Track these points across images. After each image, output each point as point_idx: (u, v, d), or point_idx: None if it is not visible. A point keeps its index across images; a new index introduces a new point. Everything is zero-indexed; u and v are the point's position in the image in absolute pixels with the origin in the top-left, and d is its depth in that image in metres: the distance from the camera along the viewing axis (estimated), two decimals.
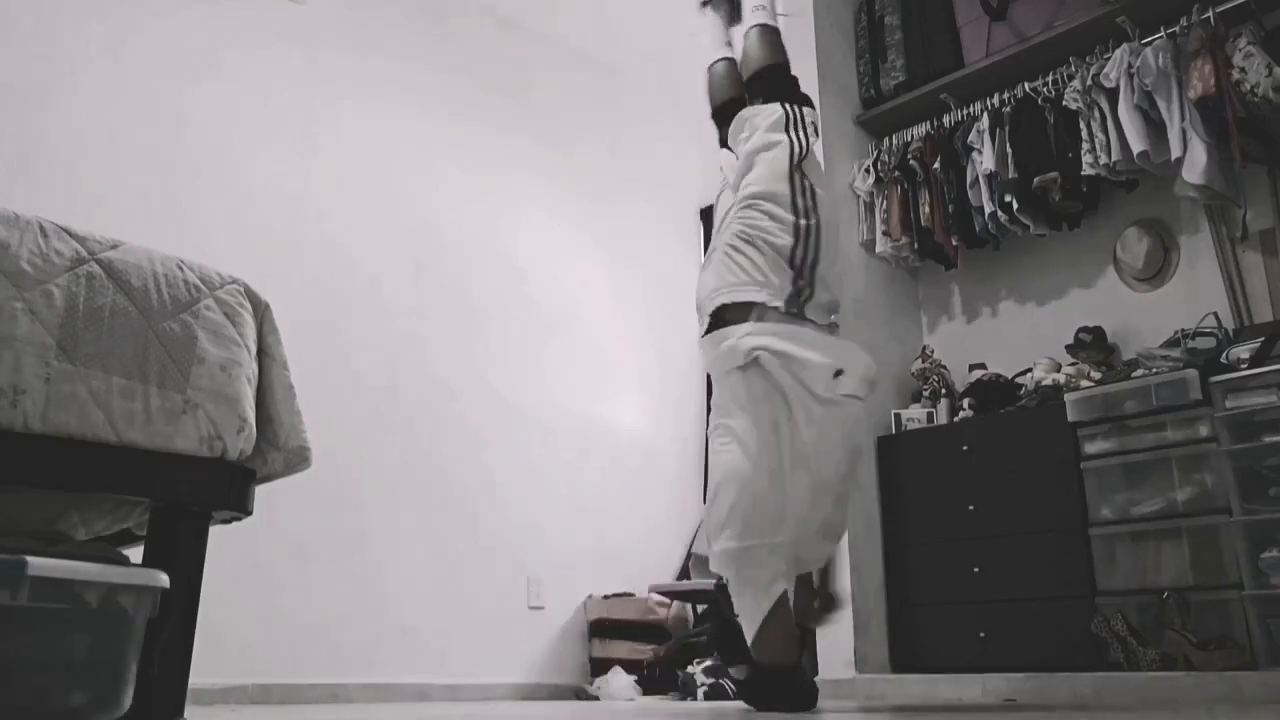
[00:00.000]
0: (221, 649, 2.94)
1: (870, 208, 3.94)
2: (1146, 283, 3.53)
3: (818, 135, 2.44)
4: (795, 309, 2.17)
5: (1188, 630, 2.80)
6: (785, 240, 2.19)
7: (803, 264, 2.19)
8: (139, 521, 1.94)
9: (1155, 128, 3.21)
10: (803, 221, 2.20)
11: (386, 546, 3.95)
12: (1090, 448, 3.15)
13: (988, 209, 3.59)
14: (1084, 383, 3.30)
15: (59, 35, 3.53)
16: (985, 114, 3.68)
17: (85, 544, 1.69)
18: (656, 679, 4.15)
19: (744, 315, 2.18)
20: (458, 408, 4.32)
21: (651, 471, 4.85)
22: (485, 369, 4.46)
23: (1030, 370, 3.58)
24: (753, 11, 2.60)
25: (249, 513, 1.86)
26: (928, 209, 3.77)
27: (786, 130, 2.32)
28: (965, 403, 3.64)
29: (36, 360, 1.55)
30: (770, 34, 2.58)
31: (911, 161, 3.84)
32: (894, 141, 3.96)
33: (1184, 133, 3.12)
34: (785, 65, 2.55)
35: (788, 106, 2.37)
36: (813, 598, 2.22)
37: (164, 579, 1.54)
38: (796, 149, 2.29)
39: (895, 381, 3.88)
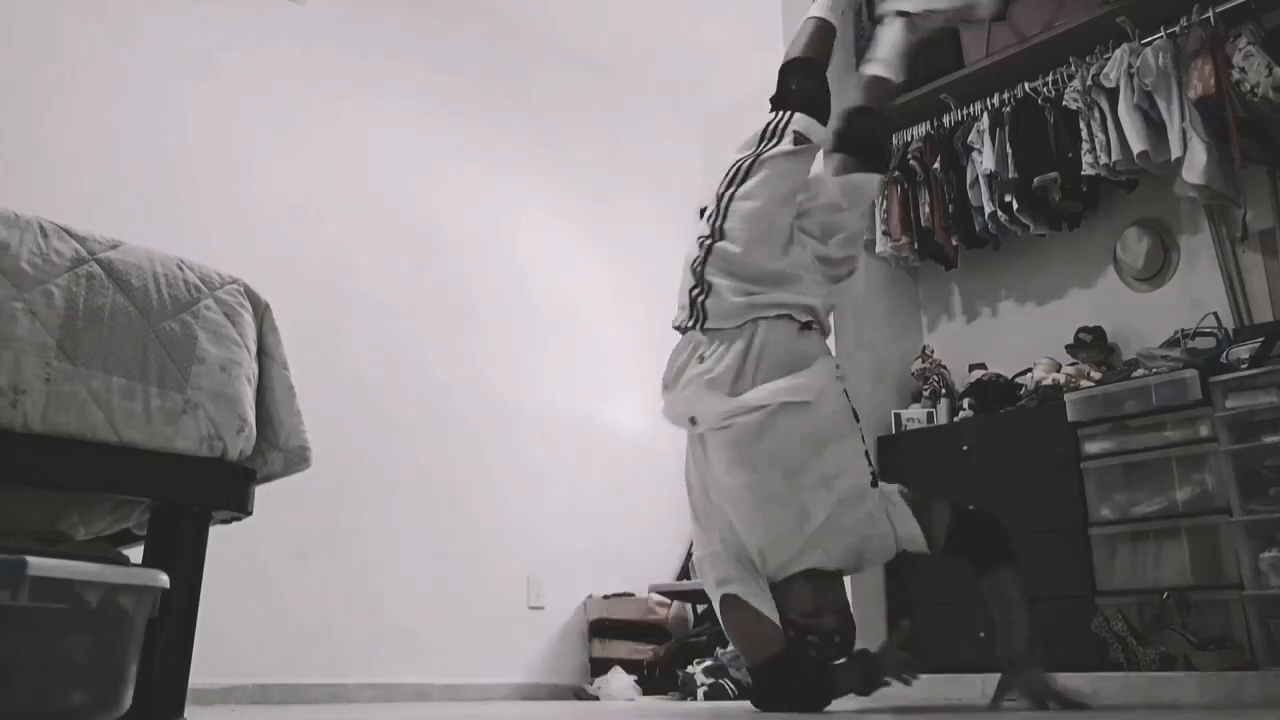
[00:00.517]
0: (221, 649, 2.94)
1: (870, 208, 3.94)
2: (1146, 283, 3.53)
3: (801, 142, 2.31)
4: (692, 321, 2.25)
5: (1188, 630, 2.80)
6: (693, 254, 2.29)
7: (697, 269, 2.26)
8: (139, 521, 1.94)
9: (1155, 128, 3.21)
10: (706, 238, 2.27)
11: (386, 546, 3.95)
12: (1090, 448, 3.15)
13: (988, 209, 3.59)
14: (1084, 383, 3.30)
15: (59, 35, 3.53)
16: (985, 114, 3.68)
17: (85, 544, 1.70)
18: (656, 679, 4.15)
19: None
20: (457, 408, 4.32)
21: (651, 471, 4.84)
22: (485, 369, 4.47)
23: (1030, 370, 3.57)
24: (813, 2, 2.56)
25: (249, 513, 1.86)
26: (928, 209, 3.77)
27: (759, 141, 2.32)
28: (965, 403, 3.63)
29: (36, 360, 1.55)
30: (814, 28, 2.49)
31: (911, 161, 3.84)
32: (894, 141, 3.95)
33: (1184, 133, 3.12)
34: (806, 62, 2.45)
35: (778, 114, 2.35)
36: (821, 606, 2.18)
37: (164, 579, 1.54)
38: (736, 167, 2.30)
39: (895, 381, 3.88)
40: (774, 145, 2.28)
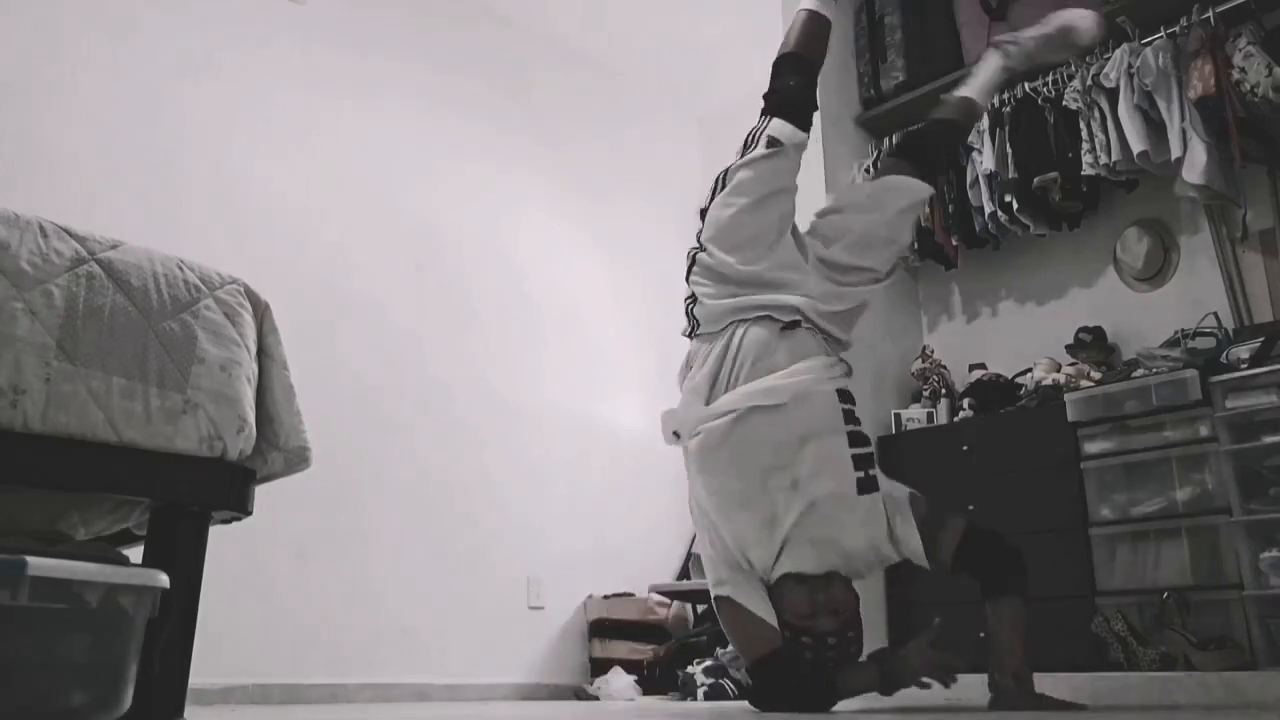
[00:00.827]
0: (221, 649, 2.94)
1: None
2: (1146, 283, 3.53)
3: (772, 146, 2.28)
4: (689, 330, 2.32)
5: (1188, 630, 2.80)
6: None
7: (686, 279, 2.33)
8: (139, 521, 1.94)
9: (1155, 128, 3.21)
10: (692, 249, 2.35)
11: (386, 546, 3.95)
12: (1090, 448, 3.15)
13: (988, 209, 3.59)
14: (1084, 383, 3.30)
15: (59, 35, 3.53)
16: (985, 114, 3.67)
17: (85, 544, 1.69)
18: (656, 679, 4.15)
19: None
20: (457, 408, 4.32)
21: (651, 471, 4.84)
22: (485, 369, 4.47)
23: (1030, 370, 3.57)
24: None
25: (249, 513, 1.86)
26: (927, 209, 3.77)
27: (740, 150, 2.33)
28: (965, 403, 3.63)
29: (36, 360, 1.55)
30: (803, 21, 2.43)
31: None
32: (894, 142, 3.95)
33: (1184, 133, 3.12)
34: (794, 57, 2.40)
35: (759, 120, 2.35)
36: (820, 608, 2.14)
37: (164, 579, 1.54)
38: (717, 178, 2.34)
39: (895, 381, 3.88)
40: (751, 152, 2.30)
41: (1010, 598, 2.10)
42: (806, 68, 2.40)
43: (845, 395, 2.18)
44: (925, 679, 2.08)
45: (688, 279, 2.31)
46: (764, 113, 2.36)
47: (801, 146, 2.32)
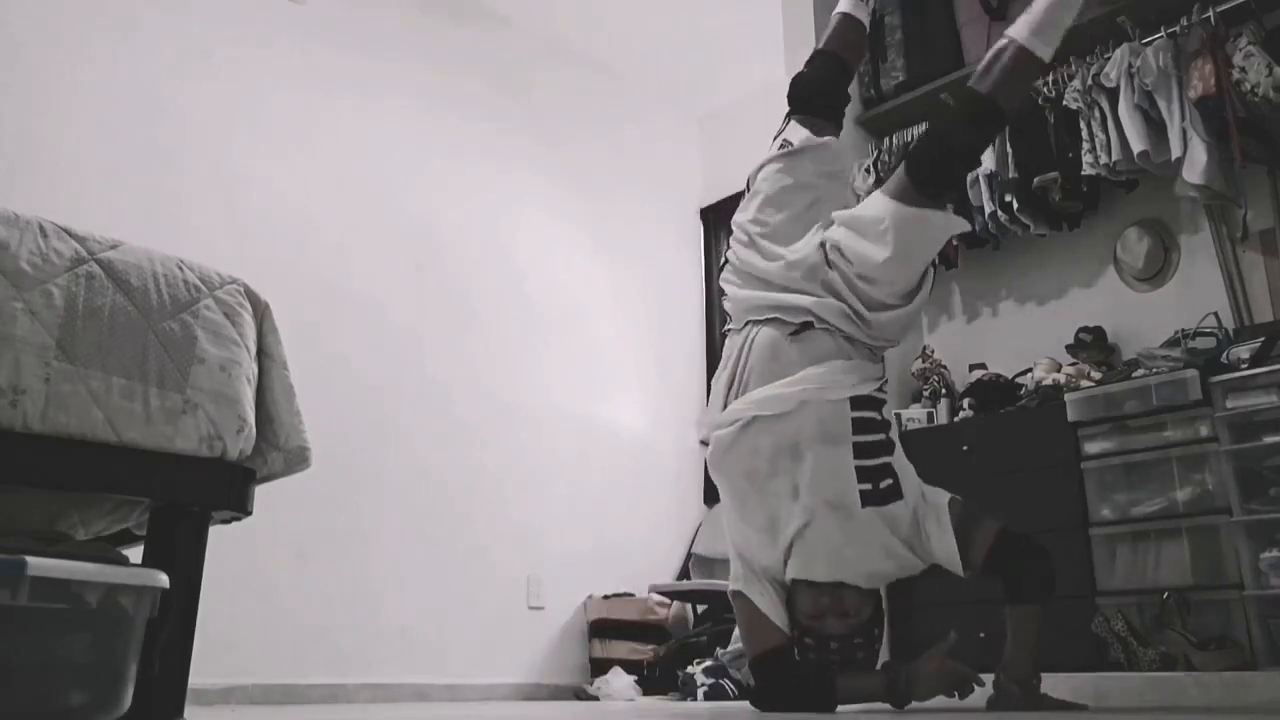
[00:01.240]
0: (221, 649, 2.94)
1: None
2: (1146, 283, 3.53)
3: (783, 147, 2.30)
4: (724, 327, 2.41)
5: (1188, 630, 2.80)
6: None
7: (718, 282, 2.39)
8: (139, 521, 1.94)
9: (1155, 127, 3.21)
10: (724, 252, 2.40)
11: (386, 547, 3.95)
12: (1090, 448, 3.14)
13: (988, 209, 3.59)
14: (1084, 383, 3.30)
15: (59, 35, 3.53)
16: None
17: (85, 544, 1.69)
18: (656, 679, 4.15)
19: None
20: (457, 408, 4.32)
21: (651, 471, 4.85)
22: (485, 369, 4.47)
23: (1030, 370, 3.57)
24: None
25: (249, 513, 1.86)
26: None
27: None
28: (965, 403, 3.63)
29: (36, 360, 1.55)
30: (836, 22, 2.46)
31: None
32: (894, 141, 3.95)
33: (1184, 132, 3.12)
34: (819, 54, 2.43)
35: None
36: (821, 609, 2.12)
37: (164, 579, 1.54)
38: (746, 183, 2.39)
39: (895, 381, 3.87)
40: (759, 170, 2.36)
41: (1030, 607, 2.12)
42: (827, 61, 2.44)
43: (862, 402, 2.07)
44: (954, 692, 2.07)
45: (719, 279, 2.36)
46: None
47: (820, 145, 2.31)
